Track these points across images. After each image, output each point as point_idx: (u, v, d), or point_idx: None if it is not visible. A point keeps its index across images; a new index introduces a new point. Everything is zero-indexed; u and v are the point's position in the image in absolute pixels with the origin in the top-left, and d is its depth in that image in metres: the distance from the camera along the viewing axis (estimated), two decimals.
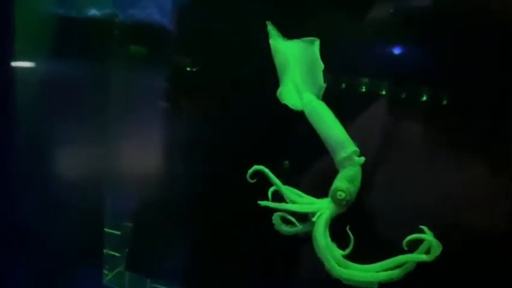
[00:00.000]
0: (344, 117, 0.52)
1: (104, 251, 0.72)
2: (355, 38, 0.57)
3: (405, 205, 0.56)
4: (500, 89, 0.52)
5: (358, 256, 0.50)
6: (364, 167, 0.51)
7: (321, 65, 0.53)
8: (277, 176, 0.52)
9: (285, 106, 0.53)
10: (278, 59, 0.55)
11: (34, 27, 0.68)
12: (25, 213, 0.70)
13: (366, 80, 0.57)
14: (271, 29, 0.55)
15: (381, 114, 0.57)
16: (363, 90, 0.57)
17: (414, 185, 0.56)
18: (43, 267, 0.72)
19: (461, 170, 0.54)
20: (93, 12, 0.68)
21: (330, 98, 0.53)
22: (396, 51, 0.56)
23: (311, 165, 0.57)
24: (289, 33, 0.55)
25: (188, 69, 0.66)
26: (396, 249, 0.48)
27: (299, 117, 0.53)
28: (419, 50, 0.56)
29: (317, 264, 0.50)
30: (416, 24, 0.54)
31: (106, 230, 0.72)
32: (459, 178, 0.54)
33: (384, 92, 0.57)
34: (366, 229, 0.52)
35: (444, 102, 0.54)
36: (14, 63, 0.67)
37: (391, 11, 0.55)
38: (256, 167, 0.52)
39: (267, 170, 0.52)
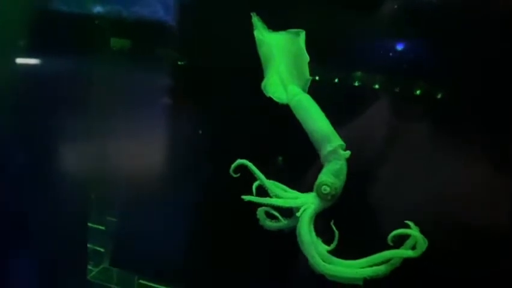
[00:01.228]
0: (332, 111, 0.51)
1: (89, 246, 0.71)
2: (345, 31, 0.56)
3: (395, 201, 0.55)
4: (504, 86, 0.51)
5: (343, 252, 0.49)
6: (355, 162, 0.50)
7: (306, 57, 0.52)
8: (271, 172, 0.51)
9: (271, 104, 0.52)
10: (263, 51, 0.54)
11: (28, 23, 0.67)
12: (10, 209, 0.69)
13: (358, 74, 0.56)
14: (255, 20, 0.54)
15: (379, 111, 0.56)
16: (354, 84, 0.56)
17: (406, 181, 0.55)
18: (28, 264, 0.71)
19: (457, 167, 0.53)
20: (96, 9, 0.67)
21: (317, 91, 0.52)
22: (396, 45, 0.55)
23: (304, 161, 0.55)
24: (274, 25, 0.54)
25: (180, 63, 0.65)
26: (383, 245, 0.47)
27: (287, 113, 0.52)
28: (419, 45, 0.55)
29: (302, 260, 0.50)
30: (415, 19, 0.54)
31: (90, 225, 0.71)
32: (455, 175, 0.53)
33: (377, 86, 0.56)
34: (351, 224, 0.50)
35: (445, 98, 0.54)
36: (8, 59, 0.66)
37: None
38: (239, 161, 0.51)
39: (250, 164, 0.51)
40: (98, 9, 0.67)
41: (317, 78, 0.54)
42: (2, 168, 0.69)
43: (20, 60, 0.70)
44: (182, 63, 0.65)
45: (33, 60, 0.70)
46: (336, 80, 0.57)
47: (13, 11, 0.67)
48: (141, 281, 0.71)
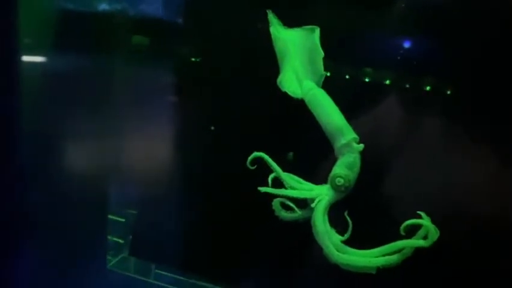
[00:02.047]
0: (346, 105, 0.53)
1: (108, 237, 0.73)
2: (358, 26, 0.57)
3: (407, 192, 0.56)
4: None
5: (356, 242, 0.51)
6: (367, 155, 0.51)
7: (321, 53, 0.53)
8: (286, 165, 0.52)
9: (288, 97, 0.54)
10: (278, 47, 0.55)
11: (40, 22, 0.69)
12: (34, 202, 0.72)
13: (369, 69, 0.58)
14: (271, 17, 0.55)
15: (391, 106, 0.57)
16: (367, 80, 0.58)
17: (417, 173, 0.56)
18: (50, 254, 0.74)
19: (468, 160, 0.54)
20: (102, 6, 0.69)
21: (331, 86, 0.54)
22: (408, 41, 0.56)
23: (318, 154, 0.57)
24: (289, 22, 0.55)
25: (193, 60, 0.66)
26: (395, 235, 0.48)
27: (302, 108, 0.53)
28: (428, 41, 0.56)
29: (317, 250, 0.52)
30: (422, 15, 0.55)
31: (110, 217, 0.73)
32: (466, 168, 0.54)
33: (388, 82, 0.57)
34: (365, 215, 0.52)
35: (457, 93, 0.55)
36: (21, 58, 0.68)
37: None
38: (256, 153, 0.52)
39: (266, 157, 0.52)
40: (103, 6, 0.69)
41: (328, 74, 0.55)
42: (28, 162, 0.70)
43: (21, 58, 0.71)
44: (196, 60, 0.66)
45: (52, 58, 0.72)
46: (349, 76, 0.58)
47: (35, 11, 0.69)
48: (157, 271, 0.73)
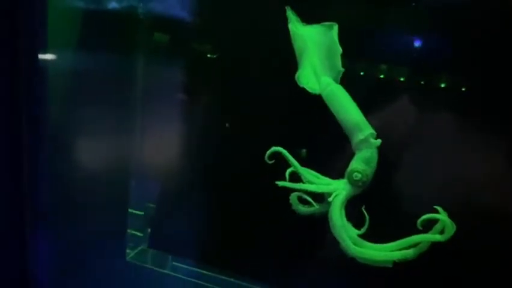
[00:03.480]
0: (363, 101, 0.53)
1: (128, 230, 0.75)
2: (375, 23, 0.58)
3: (424, 187, 0.57)
4: None
5: (373, 236, 0.51)
6: (383, 150, 0.52)
7: (339, 50, 0.54)
8: (304, 160, 0.54)
9: (304, 95, 0.55)
10: (297, 44, 0.56)
11: (64, 20, 0.70)
12: (57, 195, 0.73)
13: (386, 66, 0.58)
14: (290, 14, 0.56)
15: (407, 102, 0.58)
16: (384, 76, 0.58)
17: (433, 168, 0.57)
18: (72, 245, 0.76)
19: (484, 156, 0.55)
20: (117, 4, 0.70)
21: (348, 82, 0.54)
22: (421, 38, 0.57)
23: (332, 151, 0.58)
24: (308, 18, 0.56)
25: (212, 57, 0.67)
26: (411, 229, 0.49)
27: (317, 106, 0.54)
28: (444, 38, 0.56)
29: (333, 244, 0.52)
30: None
31: (130, 210, 0.75)
32: (482, 164, 0.55)
33: (402, 79, 0.57)
34: (382, 209, 0.52)
35: (470, 89, 0.55)
36: (45, 56, 0.69)
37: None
38: (274, 148, 0.53)
39: (284, 151, 0.53)
40: (113, 5, 0.70)
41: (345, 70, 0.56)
42: (53, 157, 0.72)
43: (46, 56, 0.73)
44: (215, 56, 0.67)
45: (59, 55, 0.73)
46: (366, 72, 0.58)
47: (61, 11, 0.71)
48: (174, 263, 0.75)
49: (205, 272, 0.72)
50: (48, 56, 0.69)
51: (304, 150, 0.58)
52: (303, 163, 0.54)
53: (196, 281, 0.72)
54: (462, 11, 0.53)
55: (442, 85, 0.56)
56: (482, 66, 0.53)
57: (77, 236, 0.75)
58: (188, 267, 0.73)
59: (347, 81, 0.54)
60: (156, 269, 0.74)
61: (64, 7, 0.71)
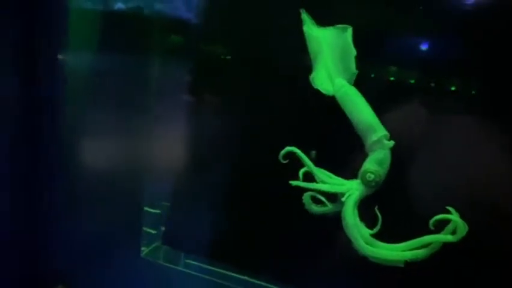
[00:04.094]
0: (377, 102, 0.54)
1: (143, 228, 0.77)
2: (389, 26, 0.59)
3: (435, 188, 0.57)
4: None
5: (386, 235, 0.52)
6: (396, 151, 0.53)
7: (353, 52, 0.55)
8: (317, 160, 0.55)
9: (316, 97, 0.56)
10: (312, 46, 0.57)
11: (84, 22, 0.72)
12: (75, 194, 0.75)
13: (399, 68, 0.59)
14: (305, 16, 0.57)
15: (420, 103, 0.58)
16: (397, 78, 0.59)
17: (446, 170, 0.57)
18: (90, 242, 0.77)
19: (496, 158, 0.55)
20: (133, 7, 0.71)
21: (362, 84, 0.55)
22: (433, 41, 0.57)
23: (345, 152, 0.58)
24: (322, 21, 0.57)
25: (224, 58, 0.68)
26: (423, 229, 0.50)
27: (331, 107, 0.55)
28: (455, 42, 0.56)
29: (346, 243, 0.53)
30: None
31: (146, 209, 0.76)
32: (493, 165, 0.55)
33: (415, 81, 0.58)
34: (394, 209, 0.53)
35: (482, 91, 0.56)
36: (64, 57, 0.70)
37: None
38: (288, 148, 0.54)
39: (299, 151, 0.54)
40: (119, 5, 0.72)
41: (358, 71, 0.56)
42: (72, 157, 0.74)
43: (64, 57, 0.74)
44: (229, 58, 0.68)
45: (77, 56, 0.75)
46: (380, 74, 0.59)
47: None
48: (187, 260, 0.76)
49: (216, 269, 0.73)
50: (67, 57, 0.71)
51: (313, 152, 0.59)
52: (317, 163, 0.55)
53: (207, 277, 0.74)
54: (475, 14, 0.54)
55: (454, 87, 0.57)
56: (495, 68, 0.54)
57: (97, 235, 0.76)
58: (200, 264, 0.75)
59: (360, 83, 0.55)
60: (169, 265, 0.75)
61: (83, 10, 0.72)
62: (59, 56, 0.70)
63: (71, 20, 0.70)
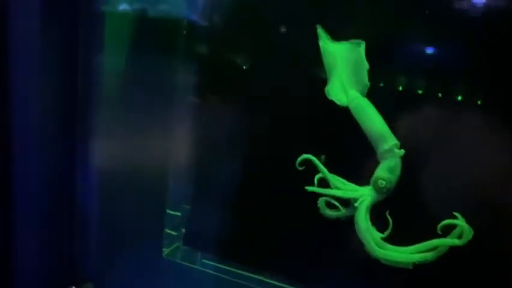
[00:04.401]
0: (388, 113, 0.57)
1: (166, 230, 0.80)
2: (399, 40, 0.61)
3: (443, 194, 0.60)
4: None
5: (395, 238, 0.55)
6: (406, 159, 0.55)
7: (366, 65, 0.58)
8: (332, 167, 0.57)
9: (333, 107, 0.58)
10: (327, 59, 0.60)
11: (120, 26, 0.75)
12: (102, 197, 0.78)
13: (409, 79, 0.61)
14: (320, 31, 0.60)
15: (429, 113, 0.61)
16: (407, 89, 0.61)
17: (453, 177, 0.60)
18: (114, 242, 0.81)
19: (505, 166, 0.58)
20: (162, 13, 0.74)
21: (374, 95, 0.58)
22: (442, 51, 0.60)
23: (357, 160, 0.61)
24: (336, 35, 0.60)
25: (246, 67, 0.71)
26: (431, 233, 0.53)
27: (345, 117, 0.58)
28: (464, 53, 0.59)
29: (358, 246, 0.56)
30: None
31: (168, 211, 0.80)
32: (501, 174, 0.58)
33: (423, 92, 0.61)
34: (404, 214, 0.56)
35: (491, 100, 0.58)
36: (101, 59, 0.73)
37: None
38: (304, 155, 0.57)
39: (314, 159, 0.57)
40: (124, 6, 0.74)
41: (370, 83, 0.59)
42: (100, 161, 0.77)
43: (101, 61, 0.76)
44: (246, 67, 0.71)
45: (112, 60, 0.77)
46: (391, 86, 0.62)
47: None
48: (204, 260, 0.79)
49: (232, 269, 0.76)
50: (103, 59, 0.74)
51: (323, 157, 0.62)
52: (331, 170, 0.58)
53: (224, 276, 0.77)
54: (487, 25, 0.56)
55: (462, 97, 0.59)
56: (505, 77, 0.56)
57: (121, 234, 0.80)
58: (216, 264, 0.78)
59: (372, 95, 0.58)
60: (189, 265, 0.79)
61: (117, 14, 0.75)
62: (96, 59, 0.72)
63: (107, 24, 0.72)
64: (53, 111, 0.68)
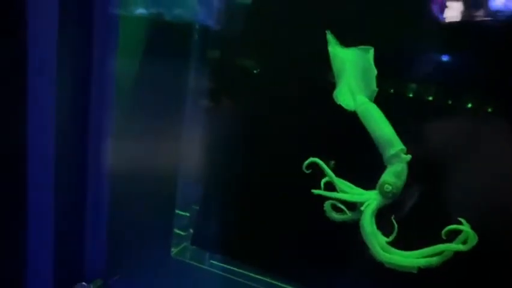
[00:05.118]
0: (395, 118, 0.57)
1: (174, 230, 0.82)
2: (408, 46, 0.62)
3: (449, 199, 0.61)
4: None
5: (400, 243, 0.55)
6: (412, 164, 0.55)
7: (374, 71, 0.58)
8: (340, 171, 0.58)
9: (341, 112, 0.59)
10: (335, 65, 0.61)
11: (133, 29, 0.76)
12: (112, 196, 0.80)
13: (417, 85, 0.62)
14: (330, 37, 0.61)
15: (437, 119, 0.62)
16: (415, 95, 0.62)
17: (459, 182, 0.61)
18: (123, 241, 0.82)
19: (506, 172, 0.58)
20: (176, 15, 0.76)
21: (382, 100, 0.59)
22: (451, 58, 0.61)
23: (364, 164, 0.60)
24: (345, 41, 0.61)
25: (256, 72, 0.72)
26: (436, 238, 0.53)
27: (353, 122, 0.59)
28: (473, 59, 0.59)
29: (363, 249, 0.57)
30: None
31: (177, 211, 0.81)
32: (502, 178, 0.58)
33: (431, 98, 0.61)
34: (409, 219, 0.56)
35: (503, 107, 0.58)
36: (114, 63, 0.74)
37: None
38: (311, 159, 0.58)
39: (321, 162, 0.58)
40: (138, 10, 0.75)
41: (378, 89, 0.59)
42: (112, 162, 0.78)
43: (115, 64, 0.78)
44: (256, 71, 0.72)
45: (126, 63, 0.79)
46: (399, 91, 0.63)
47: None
48: (212, 261, 0.80)
49: (239, 269, 0.77)
50: (117, 62, 0.75)
51: (332, 162, 0.62)
52: (338, 174, 0.58)
53: (231, 276, 0.78)
54: (494, 32, 0.57)
55: (470, 104, 0.59)
56: None
57: (130, 233, 0.81)
58: (223, 265, 0.79)
59: (380, 100, 0.58)
60: (197, 264, 0.80)
61: (132, 19, 0.77)
62: (110, 61, 0.73)
63: (122, 27, 0.73)
64: (66, 113, 0.69)
